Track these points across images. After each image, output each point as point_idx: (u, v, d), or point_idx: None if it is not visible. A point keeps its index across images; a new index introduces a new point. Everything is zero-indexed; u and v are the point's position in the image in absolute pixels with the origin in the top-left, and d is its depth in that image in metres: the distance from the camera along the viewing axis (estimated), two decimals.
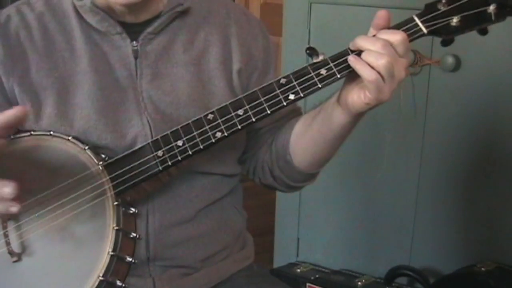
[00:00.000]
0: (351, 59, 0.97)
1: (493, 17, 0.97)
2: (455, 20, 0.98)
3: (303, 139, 1.13)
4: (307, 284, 2.11)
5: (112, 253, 0.96)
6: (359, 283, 2.06)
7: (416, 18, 0.99)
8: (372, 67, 0.95)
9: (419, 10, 1.00)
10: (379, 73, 0.95)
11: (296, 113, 1.22)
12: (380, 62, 0.94)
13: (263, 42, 1.20)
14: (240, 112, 1.01)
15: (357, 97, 0.99)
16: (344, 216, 2.24)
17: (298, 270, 2.19)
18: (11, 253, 1.00)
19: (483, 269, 1.88)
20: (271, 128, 1.20)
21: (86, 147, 1.02)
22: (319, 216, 2.28)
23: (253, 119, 1.01)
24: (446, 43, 1.01)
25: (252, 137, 1.21)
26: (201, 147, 1.01)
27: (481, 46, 1.82)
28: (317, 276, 2.14)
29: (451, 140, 1.99)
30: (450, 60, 1.88)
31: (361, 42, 0.97)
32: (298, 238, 2.33)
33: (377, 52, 0.95)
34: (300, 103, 1.18)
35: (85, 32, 1.10)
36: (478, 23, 0.99)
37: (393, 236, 2.14)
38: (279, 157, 1.17)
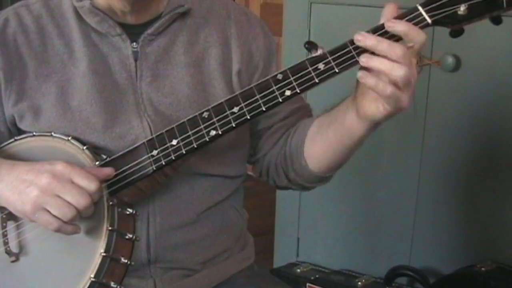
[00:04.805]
0: (362, 76, 0.91)
1: (504, 4, 0.90)
2: (462, 8, 0.91)
3: (319, 145, 1.10)
4: (307, 284, 2.11)
5: (104, 254, 0.95)
6: (359, 283, 2.05)
7: (420, 8, 0.93)
8: (381, 75, 0.89)
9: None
10: (395, 84, 0.89)
11: (306, 110, 1.20)
12: (398, 73, 0.88)
13: (264, 41, 1.19)
14: (235, 109, 0.98)
15: (375, 109, 0.95)
16: (344, 216, 2.23)
17: (298, 270, 2.18)
18: (8, 253, 1.00)
19: (483, 269, 1.87)
20: (280, 126, 1.18)
21: (85, 147, 1.01)
22: (319, 216, 2.28)
23: (248, 116, 0.98)
24: (455, 34, 0.94)
25: (261, 136, 1.19)
26: (195, 145, 0.99)
27: (481, 46, 1.82)
28: (317, 276, 2.13)
29: (451, 140, 1.99)
30: (450, 60, 1.87)
31: (374, 46, 0.90)
32: (298, 238, 2.33)
33: (394, 61, 0.88)
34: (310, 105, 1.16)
35: (84, 34, 1.09)
36: (488, 10, 0.91)
37: (393, 236, 2.14)
38: (294, 161, 1.15)
